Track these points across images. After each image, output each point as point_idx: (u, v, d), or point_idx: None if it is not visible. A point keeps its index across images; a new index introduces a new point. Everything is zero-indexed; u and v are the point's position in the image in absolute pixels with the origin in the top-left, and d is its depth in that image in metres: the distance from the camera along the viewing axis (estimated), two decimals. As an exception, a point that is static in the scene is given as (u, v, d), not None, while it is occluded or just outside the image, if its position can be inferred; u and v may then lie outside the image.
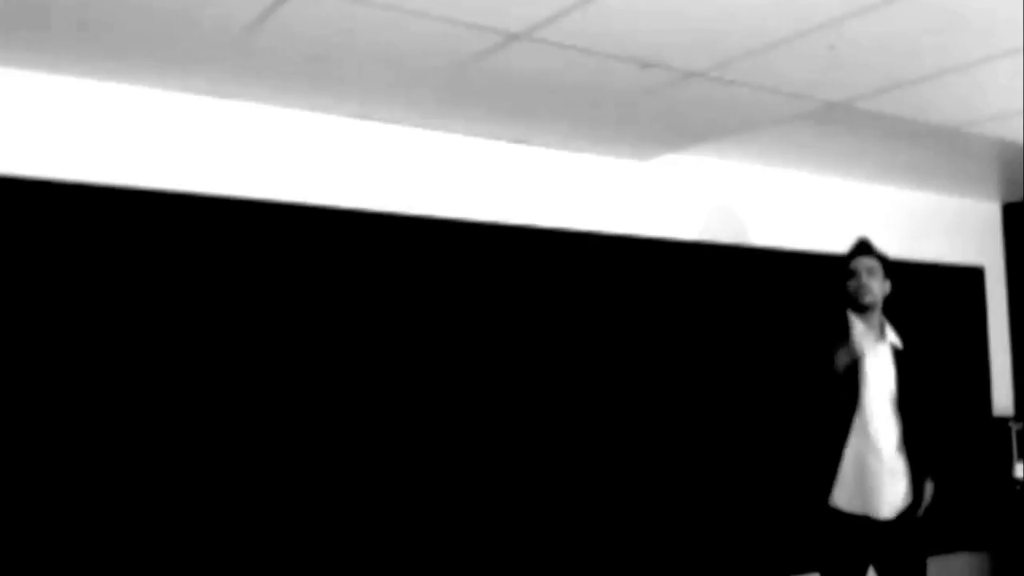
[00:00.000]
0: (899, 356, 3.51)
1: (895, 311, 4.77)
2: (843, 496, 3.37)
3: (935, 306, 4.80)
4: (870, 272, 3.44)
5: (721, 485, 4.05)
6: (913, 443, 3.45)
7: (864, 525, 3.34)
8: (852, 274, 3.45)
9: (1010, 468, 4.74)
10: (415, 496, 3.38)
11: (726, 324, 4.15)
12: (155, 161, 3.11)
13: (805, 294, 4.37)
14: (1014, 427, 4.80)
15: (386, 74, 3.00)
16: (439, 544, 3.40)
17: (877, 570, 3.41)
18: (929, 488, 3.50)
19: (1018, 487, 4.69)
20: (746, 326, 4.20)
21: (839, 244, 4.54)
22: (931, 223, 4.94)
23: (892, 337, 3.53)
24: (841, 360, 3.34)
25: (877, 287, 3.45)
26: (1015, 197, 5.13)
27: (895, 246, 4.74)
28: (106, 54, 2.82)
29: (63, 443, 2.85)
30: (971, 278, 4.98)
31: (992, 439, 4.82)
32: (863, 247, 3.52)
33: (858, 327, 3.46)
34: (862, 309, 3.45)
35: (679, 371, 4.00)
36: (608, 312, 3.86)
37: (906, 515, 3.39)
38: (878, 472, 3.35)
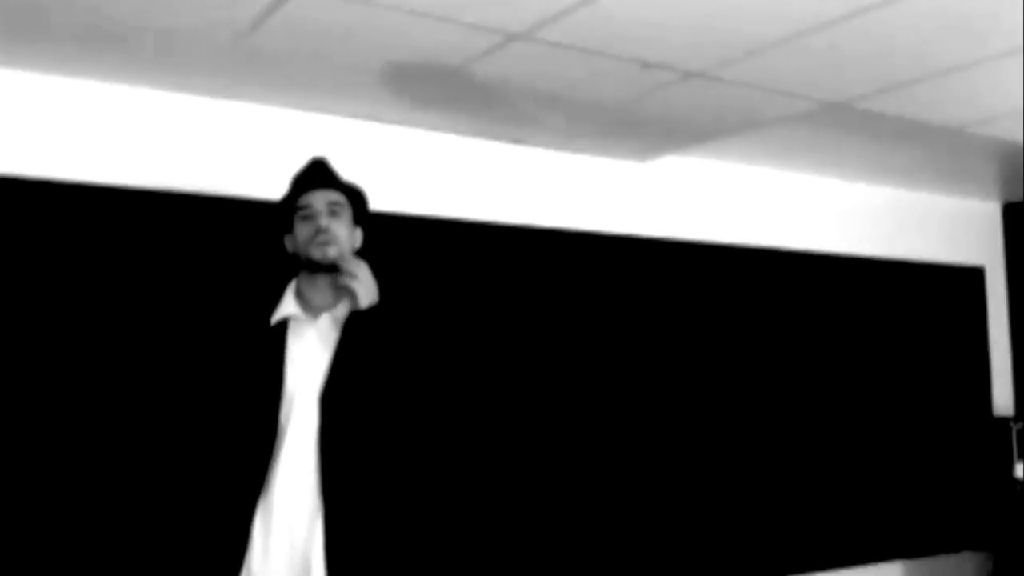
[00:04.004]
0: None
1: (894, 312, 4.79)
2: None
3: (935, 306, 4.80)
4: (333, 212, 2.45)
5: (713, 485, 4.05)
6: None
7: None
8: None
9: (1010, 468, 4.74)
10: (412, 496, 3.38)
11: (726, 324, 4.14)
12: (155, 161, 3.11)
13: (806, 294, 4.38)
14: (1014, 427, 4.80)
15: (386, 74, 3.00)
16: (448, 544, 3.40)
17: None
18: None
19: (1018, 487, 4.69)
20: (746, 326, 4.19)
21: (839, 244, 4.57)
22: (931, 223, 4.94)
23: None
24: None
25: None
26: (1015, 197, 5.13)
27: (895, 246, 4.75)
28: (106, 54, 2.82)
29: (62, 444, 2.85)
30: (971, 278, 4.98)
31: (992, 439, 4.82)
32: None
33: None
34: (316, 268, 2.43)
35: (679, 372, 3.99)
36: (609, 313, 3.86)
37: None
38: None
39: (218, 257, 3.10)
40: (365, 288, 2.36)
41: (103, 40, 2.71)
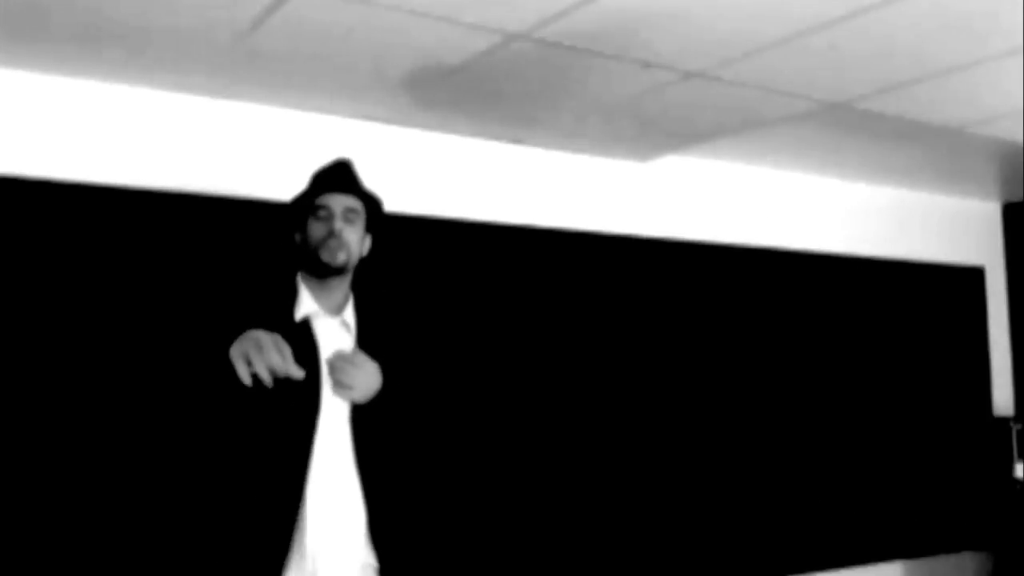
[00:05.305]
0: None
1: (894, 312, 4.77)
2: None
3: (935, 306, 4.80)
4: (347, 218, 2.45)
5: (713, 486, 4.05)
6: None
7: None
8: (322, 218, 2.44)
9: (1010, 468, 4.74)
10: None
11: (726, 324, 4.14)
12: (155, 161, 3.11)
13: (806, 294, 4.38)
14: (1014, 427, 4.80)
15: (386, 74, 3.01)
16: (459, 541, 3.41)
17: None
18: None
19: (1018, 487, 4.69)
20: (746, 326, 4.19)
21: (839, 244, 4.57)
22: (931, 223, 4.94)
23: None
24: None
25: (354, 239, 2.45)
26: (1015, 197, 5.13)
27: (895, 246, 4.75)
28: (106, 54, 2.82)
29: (60, 446, 2.85)
30: (971, 278, 4.99)
31: (992, 439, 4.82)
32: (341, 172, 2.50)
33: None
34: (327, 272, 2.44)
35: (680, 372, 3.99)
36: (609, 313, 3.86)
37: None
38: None
39: (219, 257, 3.10)
40: (361, 392, 2.38)
41: (103, 40, 2.71)
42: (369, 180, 3.46)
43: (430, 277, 3.49)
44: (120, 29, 2.62)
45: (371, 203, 2.54)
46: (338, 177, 2.48)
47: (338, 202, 2.44)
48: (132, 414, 2.93)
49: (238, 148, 3.25)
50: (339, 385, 2.35)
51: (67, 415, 2.86)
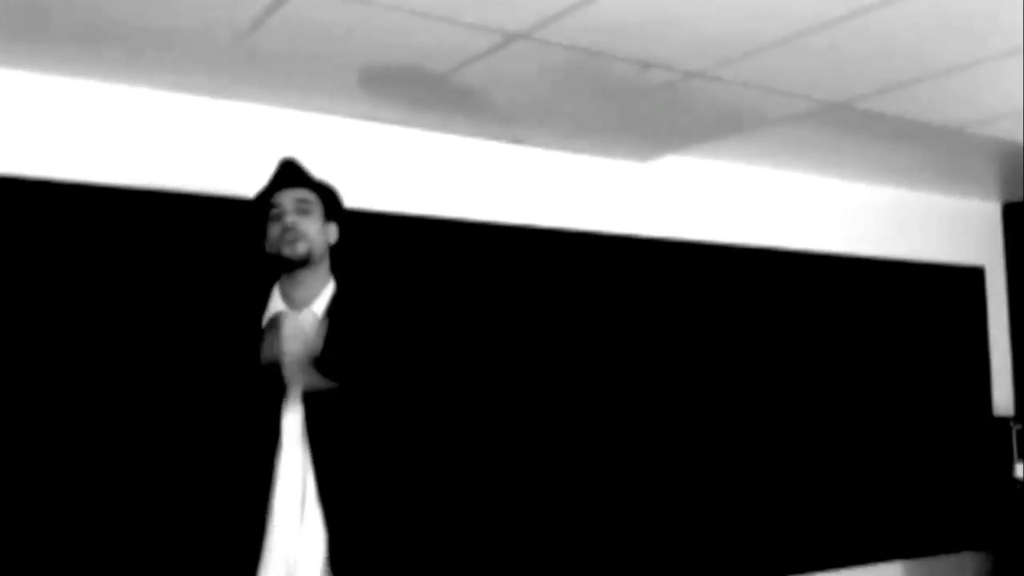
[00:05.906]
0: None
1: (894, 312, 4.78)
2: None
3: (935, 306, 4.80)
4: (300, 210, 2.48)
5: (713, 486, 4.05)
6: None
7: None
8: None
9: (1010, 468, 4.74)
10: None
11: (726, 324, 4.14)
12: (155, 161, 3.11)
13: (806, 294, 4.38)
14: (1014, 427, 4.80)
15: (386, 74, 3.00)
16: (441, 543, 3.40)
17: None
18: None
19: (1018, 487, 4.69)
20: (746, 326, 4.19)
21: (839, 244, 4.57)
22: (931, 223, 4.94)
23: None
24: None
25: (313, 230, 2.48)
26: (1015, 197, 5.13)
27: (895, 246, 4.75)
28: (106, 54, 2.82)
29: (60, 445, 2.85)
30: (971, 278, 4.99)
31: (992, 439, 4.82)
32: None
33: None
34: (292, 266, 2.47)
35: (679, 372, 3.99)
36: (609, 313, 3.86)
37: None
38: None
39: (218, 257, 3.10)
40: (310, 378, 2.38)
41: (103, 40, 2.71)
42: (369, 180, 3.47)
43: (429, 277, 3.49)
44: (120, 29, 2.62)
45: (325, 192, 2.58)
46: (284, 174, 2.53)
47: (288, 197, 2.48)
48: (117, 412, 2.93)
49: (238, 148, 3.25)
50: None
51: (63, 412, 2.86)
